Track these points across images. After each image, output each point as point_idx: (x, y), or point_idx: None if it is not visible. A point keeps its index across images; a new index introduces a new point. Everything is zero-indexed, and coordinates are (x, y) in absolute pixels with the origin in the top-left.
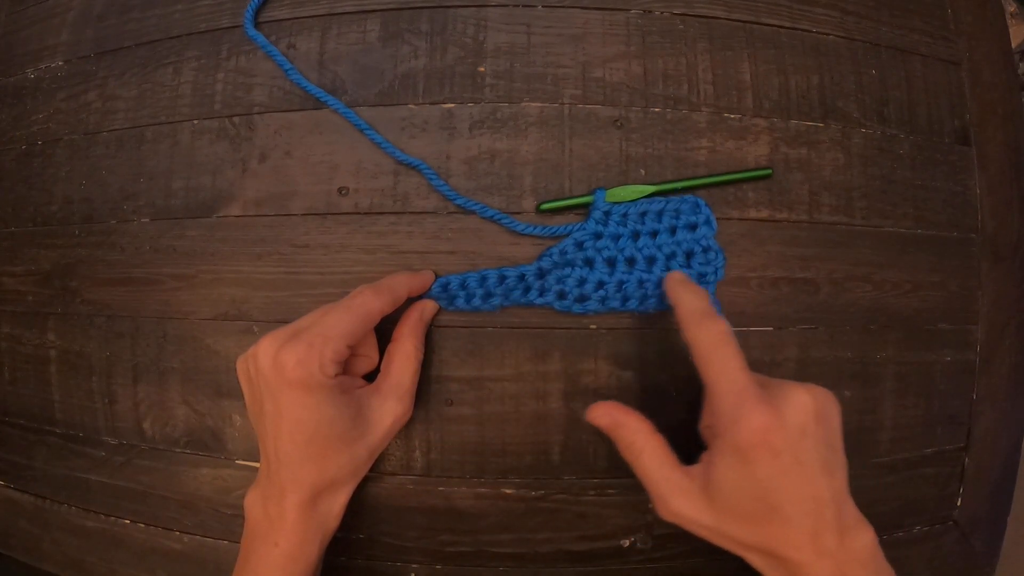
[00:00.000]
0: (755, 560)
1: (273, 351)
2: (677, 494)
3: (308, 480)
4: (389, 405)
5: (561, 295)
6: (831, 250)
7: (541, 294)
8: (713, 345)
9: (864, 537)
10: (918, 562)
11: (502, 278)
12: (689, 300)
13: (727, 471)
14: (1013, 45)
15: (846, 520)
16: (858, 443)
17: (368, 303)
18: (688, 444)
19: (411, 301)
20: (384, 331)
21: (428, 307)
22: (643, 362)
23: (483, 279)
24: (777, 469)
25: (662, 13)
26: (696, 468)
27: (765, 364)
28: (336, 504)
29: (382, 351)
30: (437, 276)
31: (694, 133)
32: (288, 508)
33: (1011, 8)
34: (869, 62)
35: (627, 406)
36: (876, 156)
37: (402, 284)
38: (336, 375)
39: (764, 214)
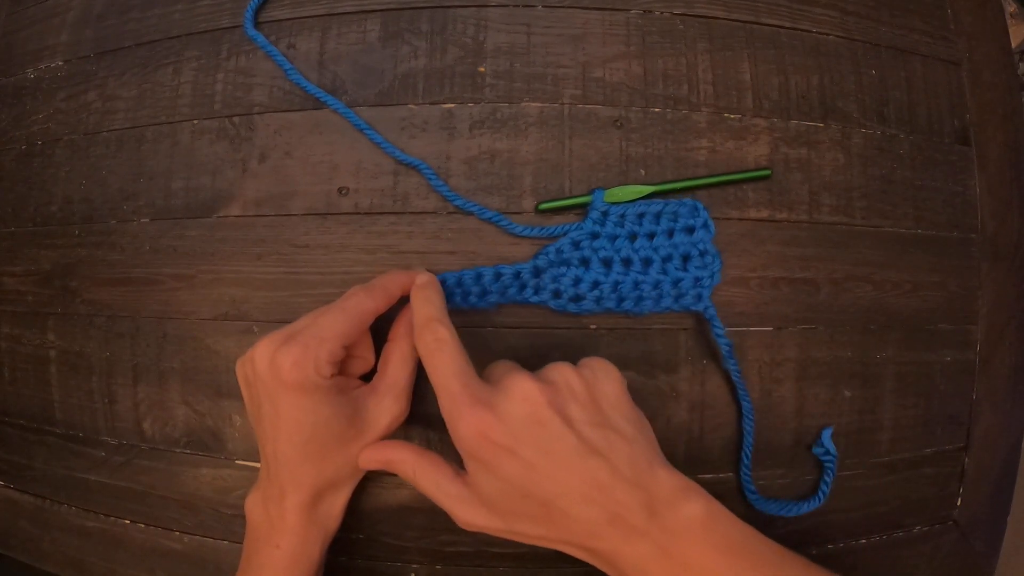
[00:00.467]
0: (576, 554)
1: (269, 353)
2: (459, 505)
3: (307, 481)
4: (386, 404)
5: (556, 294)
6: (831, 250)
7: (536, 292)
8: (427, 353)
9: (688, 507)
10: (918, 562)
11: (498, 276)
12: (418, 309)
13: (478, 477)
14: (1013, 45)
15: (657, 493)
16: (858, 443)
17: (362, 303)
18: (689, 444)
19: (405, 300)
20: (380, 332)
21: None
22: (643, 362)
23: (479, 277)
24: (520, 465)
25: (662, 13)
26: (468, 477)
27: (765, 364)
28: (336, 504)
29: (378, 352)
30: (440, 271)
31: (694, 133)
32: (288, 509)
33: (1011, 8)
34: (869, 62)
35: (389, 440)
36: (876, 156)
37: (395, 283)
38: (332, 376)
39: (764, 214)
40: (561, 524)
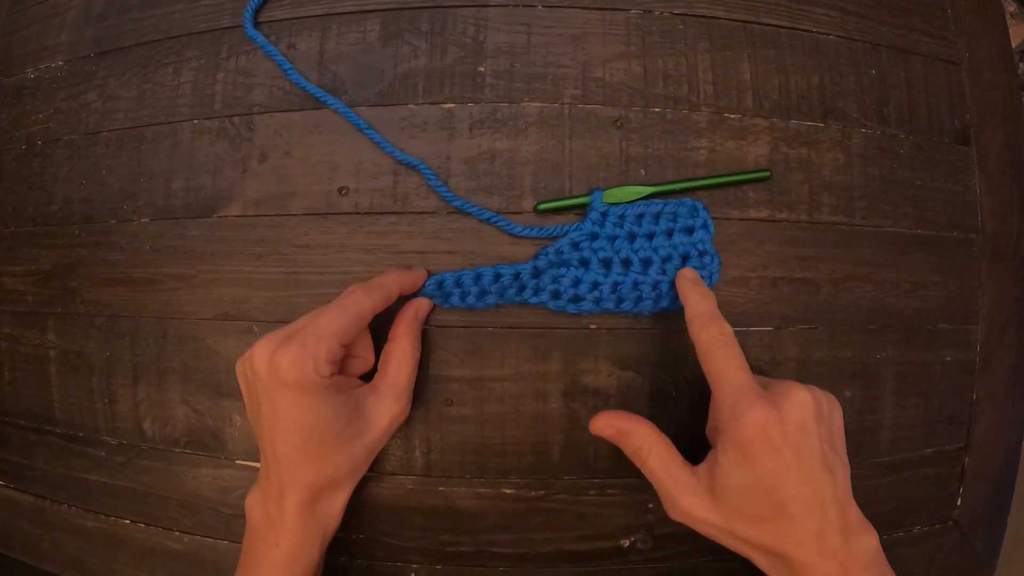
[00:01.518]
0: (760, 561)
1: (268, 353)
2: (685, 494)
3: (307, 480)
4: (386, 404)
5: (555, 295)
6: (831, 250)
7: (536, 293)
8: (715, 346)
9: (868, 540)
10: (918, 562)
11: (497, 276)
12: (697, 302)
13: (731, 468)
14: (1013, 45)
15: (850, 521)
16: (858, 443)
17: (360, 302)
18: (690, 444)
19: (404, 299)
20: (379, 332)
21: (423, 305)
22: (643, 362)
23: (478, 277)
24: (778, 464)
25: (662, 13)
26: (702, 467)
27: (765, 364)
28: (336, 504)
29: (377, 352)
30: (430, 274)
31: (694, 133)
32: (288, 508)
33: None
34: (869, 62)
35: (627, 412)
36: (876, 156)
37: (393, 282)
38: (331, 375)
39: (764, 214)
40: (780, 529)
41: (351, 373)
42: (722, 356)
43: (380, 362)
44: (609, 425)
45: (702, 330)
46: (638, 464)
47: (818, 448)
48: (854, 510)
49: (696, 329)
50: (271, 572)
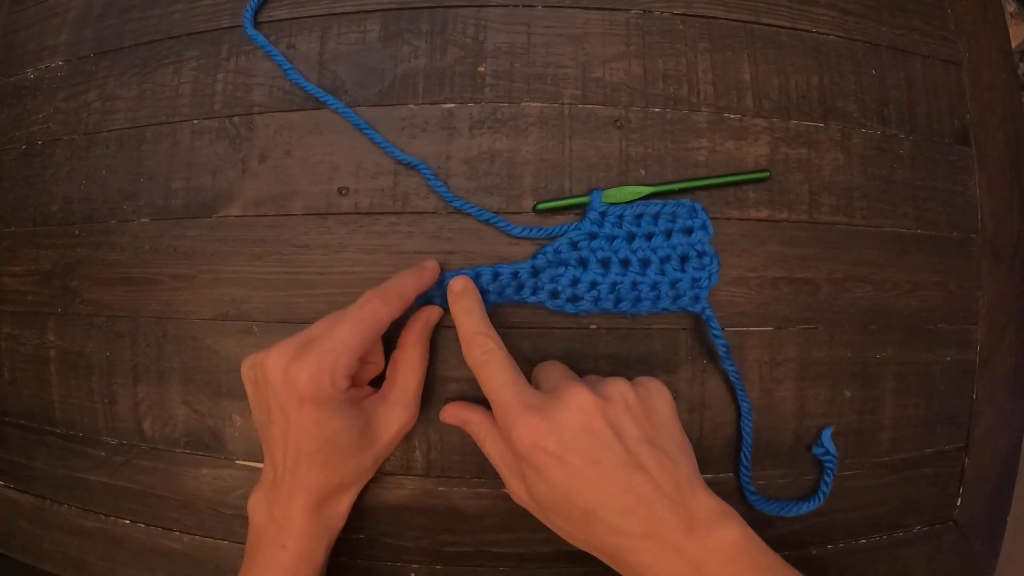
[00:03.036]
0: (610, 564)
1: (284, 364)
2: (513, 479)
3: (315, 486)
4: (395, 413)
5: (554, 294)
6: (831, 250)
7: (534, 292)
8: (477, 365)
9: (723, 531)
10: (918, 562)
11: (496, 275)
12: (461, 322)
13: (528, 480)
14: (1013, 45)
15: (696, 514)
16: (858, 443)
17: (378, 312)
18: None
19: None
20: (389, 336)
21: (433, 314)
22: (643, 362)
23: (477, 276)
24: (567, 473)
25: (662, 13)
26: None
27: (765, 364)
28: (342, 506)
29: (387, 355)
30: (442, 267)
31: (694, 133)
32: (295, 511)
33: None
34: (869, 62)
35: (469, 402)
36: (876, 156)
37: (409, 286)
38: (347, 389)
39: (764, 214)
40: (599, 532)
41: (362, 379)
42: (484, 375)
43: (389, 370)
44: (452, 414)
45: (467, 353)
46: (480, 449)
47: (616, 448)
48: (701, 502)
49: (464, 351)
50: (278, 574)
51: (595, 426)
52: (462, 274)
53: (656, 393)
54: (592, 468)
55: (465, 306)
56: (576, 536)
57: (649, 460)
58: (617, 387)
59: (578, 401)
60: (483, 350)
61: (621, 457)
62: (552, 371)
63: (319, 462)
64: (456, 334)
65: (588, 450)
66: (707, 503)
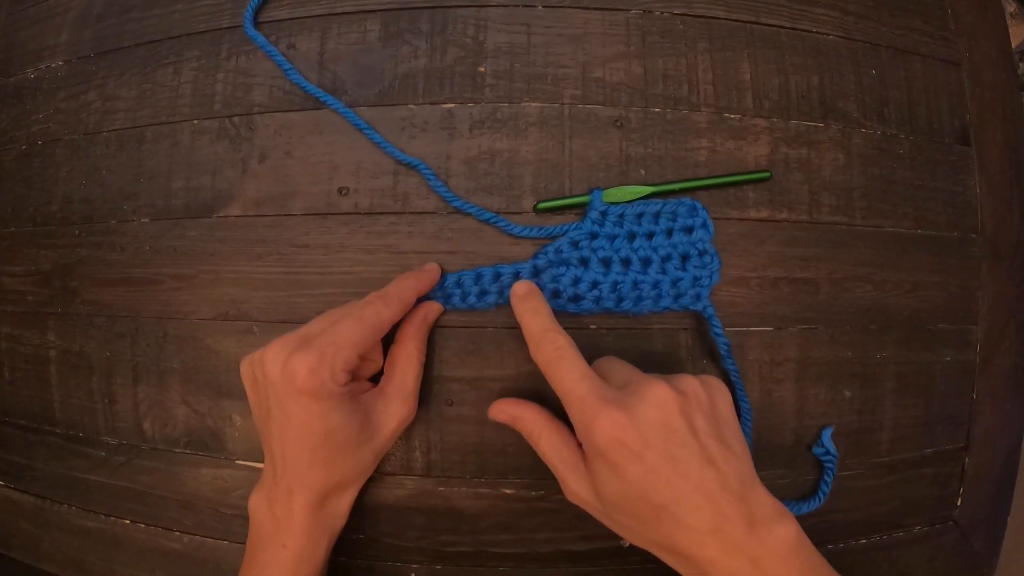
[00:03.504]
0: (666, 558)
1: (283, 358)
2: (572, 477)
3: (316, 483)
4: (394, 408)
5: (556, 294)
6: (831, 250)
7: None
8: (549, 363)
9: (781, 529)
10: (918, 562)
11: (497, 275)
12: (528, 321)
13: (599, 477)
14: (1013, 45)
15: (755, 511)
16: (858, 443)
17: (379, 312)
18: None
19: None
20: (388, 334)
21: (432, 310)
22: (643, 362)
23: (478, 277)
24: (645, 469)
25: (662, 13)
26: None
27: (765, 364)
28: (342, 504)
29: (385, 353)
30: (443, 270)
31: (694, 133)
32: (296, 509)
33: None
34: (869, 62)
35: (520, 399)
36: (876, 156)
37: (411, 289)
38: (345, 384)
39: (764, 214)
40: (666, 529)
41: (360, 375)
42: (558, 372)
43: (386, 365)
44: (502, 411)
45: (536, 352)
46: (534, 448)
47: (692, 444)
48: (760, 499)
49: (532, 352)
50: (278, 573)
51: (673, 422)
52: (463, 274)
53: (719, 391)
54: (668, 464)
55: (532, 307)
56: (638, 533)
57: (718, 456)
58: (689, 383)
59: (658, 396)
60: (555, 346)
61: (696, 453)
62: (618, 366)
63: (319, 458)
64: (455, 334)
65: (666, 446)
66: (765, 500)
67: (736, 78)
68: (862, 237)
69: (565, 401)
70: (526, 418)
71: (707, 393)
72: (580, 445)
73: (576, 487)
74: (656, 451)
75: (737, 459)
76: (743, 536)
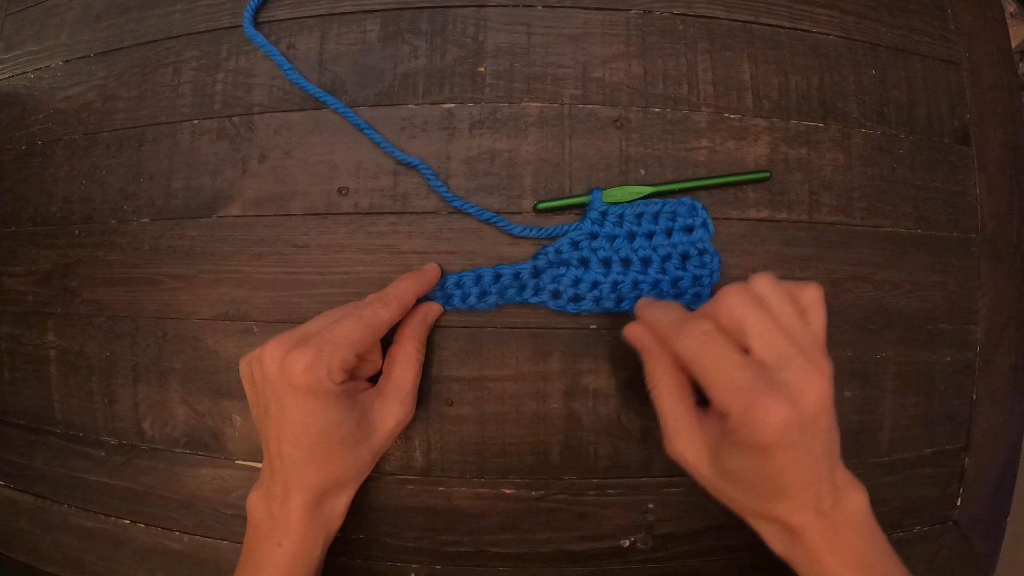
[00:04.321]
0: (752, 521)
1: (280, 355)
2: (683, 436)
3: (313, 482)
4: (392, 407)
5: (556, 294)
6: (831, 250)
7: (536, 293)
8: (699, 349)
9: (856, 497)
10: (918, 562)
11: (497, 276)
12: (661, 317)
13: (737, 458)
14: (1013, 45)
15: (839, 483)
16: (858, 443)
17: (378, 313)
18: None
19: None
20: (387, 335)
21: (432, 310)
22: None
23: (478, 277)
24: (790, 458)
25: (662, 13)
26: (708, 421)
27: None
28: (339, 504)
29: (385, 353)
30: (443, 271)
31: (694, 133)
32: (292, 508)
33: (1011, 8)
34: (869, 62)
35: (662, 336)
36: (876, 156)
37: (410, 290)
38: (343, 382)
39: (764, 214)
40: (776, 504)
41: (359, 376)
42: (713, 357)
43: (385, 364)
44: (640, 336)
45: (680, 340)
46: (649, 388)
47: (826, 439)
48: (841, 469)
49: (675, 343)
50: (273, 572)
51: (823, 418)
52: (463, 275)
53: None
54: (807, 455)
55: (661, 304)
56: (738, 501)
57: (833, 444)
58: (828, 371)
59: (820, 392)
60: (701, 330)
61: (825, 445)
62: (766, 334)
63: (317, 456)
64: (455, 334)
65: (809, 438)
66: (844, 470)
67: (736, 78)
68: (862, 237)
69: (718, 388)
70: (656, 356)
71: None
72: (697, 405)
73: (683, 447)
74: (803, 445)
75: (838, 435)
76: (830, 504)
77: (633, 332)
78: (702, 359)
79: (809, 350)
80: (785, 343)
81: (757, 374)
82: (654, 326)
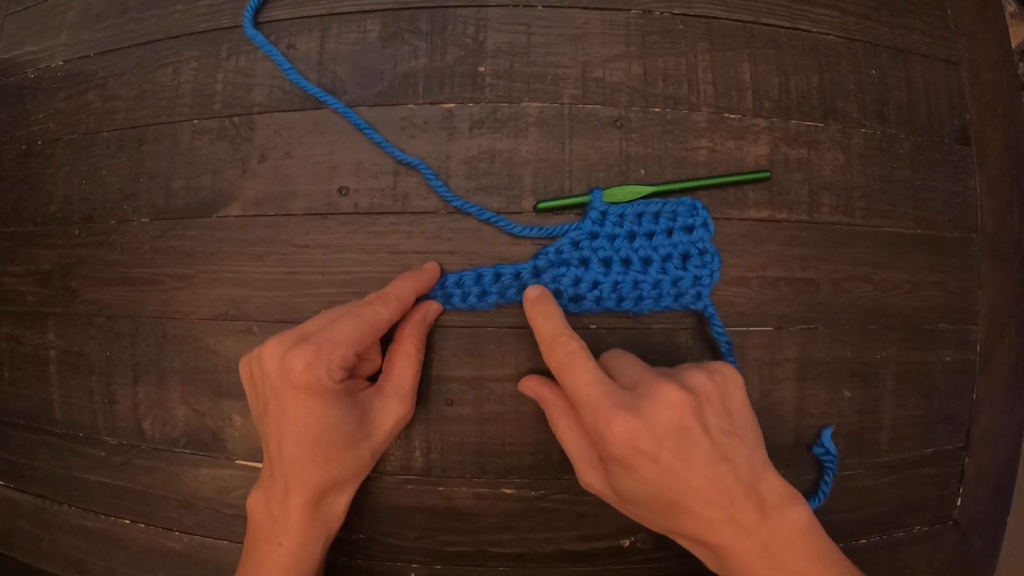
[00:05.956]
0: (683, 543)
1: (280, 354)
2: (588, 469)
3: (312, 481)
4: (392, 406)
5: (556, 294)
6: (831, 250)
7: None
8: (561, 367)
9: (792, 513)
10: (918, 562)
11: (498, 276)
12: (539, 324)
13: (615, 478)
14: (1013, 45)
15: (767, 498)
16: (858, 443)
17: (377, 312)
18: None
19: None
20: (387, 334)
21: (432, 309)
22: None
23: (479, 277)
24: (660, 470)
25: (662, 13)
26: None
27: (765, 364)
28: (339, 504)
29: (384, 352)
30: (443, 269)
31: (694, 133)
32: (292, 508)
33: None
34: (869, 62)
35: (551, 381)
36: (876, 156)
37: (409, 289)
38: (342, 380)
39: (764, 214)
40: (681, 520)
41: (359, 375)
42: (570, 377)
43: (385, 363)
44: (530, 388)
45: (548, 355)
46: (552, 430)
47: (704, 443)
48: (770, 484)
49: (544, 356)
50: (274, 572)
51: (686, 423)
52: (463, 275)
53: (731, 380)
54: (683, 465)
55: (543, 311)
56: (655, 523)
57: (730, 450)
58: (699, 379)
59: (669, 399)
60: (566, 351)
61: (708, 452)
62: (627, 363)
63: (316, 455)
64: (455, 334)
65: (679, 448)
66: (776, 486)
67: (736, 78)
68: (862, 237)
69: (577, 405)
70: (549, 400)
71: (717, 386)
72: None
73: (590, 478)
74: (670, 452)
75: (749, 448)
76: (755, 522)
77: (526, 385)
78: (563, 376)
79: (667, 374)
80: (641, 369)
81: (608, 392)
82: (534, 332)
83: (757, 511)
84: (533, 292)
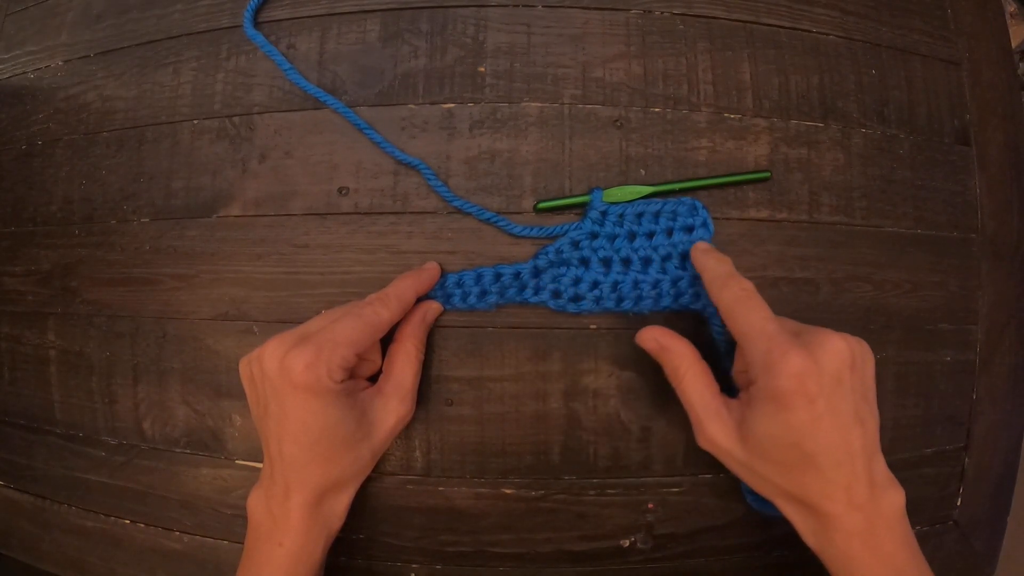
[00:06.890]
0: (784, 506)
1: (280, 354)
2: (713, 421)
3: (313, 481)
4: (392, 406)
5: (556, 294)
6: (831, 250)
7: (536, 293)
8: (737, 301)
9: (894, 496)
10: None
11: (498, 276)
12: (712, 266)
13: (762, 418)
14: (1013, 45)
15: (876, 476)
16: None
17: (378, 313)
18: (689, 444)
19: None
20: (387, 335)
21: (432, 309)
22: (643, 362)
23: (479, 277)
24: (812, 416)
25: (662, 13)
26: (735, 402)
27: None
28: (340, 504)
29: (384, 352)
30: (443, 269)
31: (694, 133)
32: (293, 508)
33: (1011, 8)
34: (869, 62)
35: (673, 331)
36: (876, 156)
37: (410, 290)
38: (342, 381)
39: (764, 214)
40: (807, 479)
41: (359, 375)
42: (746, 309)
43: (385, 363)
44: (653, 339)
45: (722, 290)
46: (673, 384)
47: (851, 399)
48: (881, 465)
49: (716, 291)
50: (274, 572)
51: (844, 376)
52: (463, 274)
53: (869, 353)
54: (831, 417)
55: (716, 256)
56: (772, 481)
57: (866, 415)
58: (857, 341)
59: (837, 347)
60: (742, 287)
61: (852, 410)
62: (786, 319)
63: (316, 455)
64: (455, 334)
65: (833, 397)
66: (882, 467)
67: (736, 78)
68: (862, 237)
69: (748, 339)
70: (675, 351)
71: (863, 355)
72: (720, 391)
73: (715, 432)
74: (826, 401)
75: (875, 423)
76: (864, 497)
77: (648, 336)
78: (737, 309)
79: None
80: (800, 323)
81: (783, 327)
82: (703, 271)
83: (868, 486)
84: (703, 244)
